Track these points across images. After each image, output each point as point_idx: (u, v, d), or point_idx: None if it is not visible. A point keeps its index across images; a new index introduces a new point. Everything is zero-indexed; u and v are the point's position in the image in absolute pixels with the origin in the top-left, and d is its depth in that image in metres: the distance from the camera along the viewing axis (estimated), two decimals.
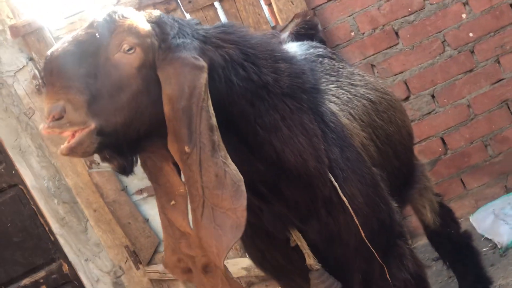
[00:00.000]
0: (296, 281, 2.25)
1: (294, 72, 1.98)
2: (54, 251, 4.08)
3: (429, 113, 3.80)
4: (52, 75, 1.70)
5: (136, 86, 1.74)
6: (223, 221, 1.73)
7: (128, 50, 1.73)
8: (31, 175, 3.92)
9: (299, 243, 2.11)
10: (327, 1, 3.75)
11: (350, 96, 2.40)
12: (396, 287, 2.22)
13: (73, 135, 1.69)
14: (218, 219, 1.74)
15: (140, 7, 3.57)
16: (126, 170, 1.85)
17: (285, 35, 3.10)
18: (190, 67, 1.72)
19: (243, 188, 1.72)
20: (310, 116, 2.00)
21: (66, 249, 4.02)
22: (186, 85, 1.71)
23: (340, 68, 2.60)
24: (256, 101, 1.87)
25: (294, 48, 2.67)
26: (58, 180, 3.92)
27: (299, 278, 2.21)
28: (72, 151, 1.71)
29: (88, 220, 3.95)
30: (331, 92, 2.36)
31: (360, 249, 2.11)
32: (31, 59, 3.77)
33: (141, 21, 1.77)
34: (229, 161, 1.74)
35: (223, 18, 3.78)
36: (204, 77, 1.72)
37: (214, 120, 1.73)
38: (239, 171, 1.81)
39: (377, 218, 2.14)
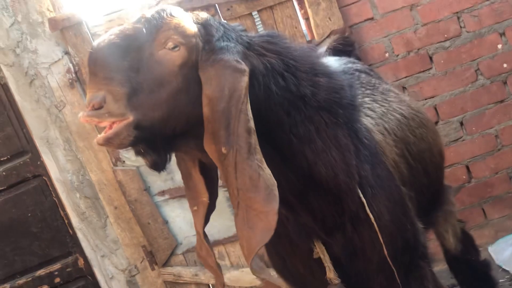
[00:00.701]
0: None
1: (333, 87, 2.00)
2: (71, 245, 4.09)
3: (456, 140, 3.81)
4: (96, 65, 1.74)
5: (176, 83, 1.76)
6: (255, 223, 1.76)
7: (173, 48, 1.76)
8: (56, 167, 3.94)
9: (321, 256, 2.12)
10: (364, 21, 3.77)
11: (384, 110, 2.43)
12: None
13: (110, 126, 1.73)
14: (250, 221, 1.77)
15: None
16: (158, 166, 1.88)
17: (322, 49, 3.13)
18: (231, 69, 1.75)
19: (276, 192, 1.74)
20: (345, 131, 2.01)
21: (84, 243, 4.03)
22: (227, 87, 1.74)
23: (376, 84, 2.63)
24: (292, 111, 1.89)
25: (332, 62, 2.69)
26: (82, 175, 3.94)
27: None
28: (108, 142, 1.74)
29: (108, 216, 3.95)
30: (366, 105, 2.39)
31: (382, 266, 2.11)
32: (66, 52, 3.80)
33: (188, 21, 1.81)
34: (264, 165, 1.76)
35: (260, 28, 3.81)
36: (245, 80, 1.74)
37: (252, 123, 1.75)
38: None
39: (402, 237, 2.15)
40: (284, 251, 2.25)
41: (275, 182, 1.75)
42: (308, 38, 3.83)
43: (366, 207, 2.04)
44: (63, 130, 3.88)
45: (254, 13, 3.77)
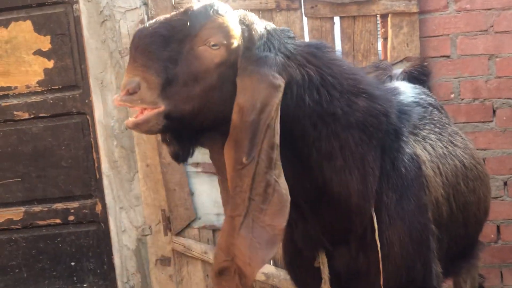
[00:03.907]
0: None
1: (373, 111, 2.02)
2: (94, 189, 4.11)
3: (496, 198, 3.77)
4: (137, 51, 1.79)
5: (211, 81, 1.81)
6: (261, 234, 1.80)
7: (213, 46, 1.80)
8: (102, 110, 3.96)
9: (321, 267, 2.15)
10: (440, 56, 3.75)
11: (446, 152, 2.42)
12: None
13: (141, 112, 1.78)
14: (256, 231, 1.80)
15: None
16: (179, 157, 1.96)
17: (397, 71, 3.12)
18: (267, 84, 1.78)
19: (287, 209, 1.79)
20: (376, 155, 2.04)
21: (107, 191, 4.04)
22: (259, 101, 1.77)
23: (446, 124, 2.60)
24: (320, 125, 1.92)
25: (408, 88, 2.67)
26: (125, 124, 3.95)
27: None
28: (137, 127, 1.81)
29: (138, 172, 3.96)
30: (429, 141, 2.37)
31: None
32: (145, 3, 3.82)
33: (233, 21, 1.84)
34: (282, 180, 1.80)
35: (337, 34, 3.80)
36: (278, 96, 1.78)
37: (277, 138, 1.79)
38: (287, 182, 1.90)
39: (408, 274, 2.14)
40: (293, 251, 2.31)
41: (289, 198, 1.80)
42: (381, 57, 3.82)
43: (376, 233, 2.05)
44: (120, 76, 3.90)
45: (336, 18, 3.77)
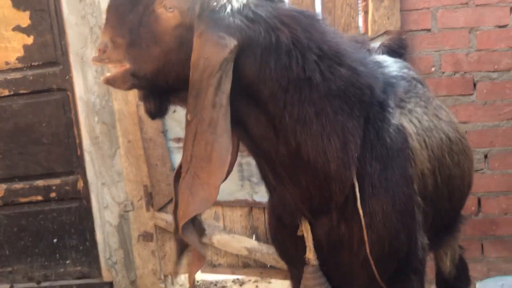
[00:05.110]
0: (298, 268, 2.29)
1: (356, 82, 2.01)
2: (76, 165, 4.10)
3: (476, 171, 3.78)
4: (108, 13, 1.92)
5: (168, 43, 1.87)
6: (197, 191, 1.85)
7: (169, 8, 1.85)
8: (83, 86, 3.94)
9: (305, 235, 2.15)
10: (421, 30, 3.74)
11: (432, 126, 2.41)
12: None
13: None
14: (194, 187, 1.86)
15: None
16: (152, 114, 2.01)
17: (375, 45, 3.11)
18: (211, 43, 1.80)
19: (225, 169, 1.83)
20: (359, 124, 2.02)
21: (88, 167, 4.04)
22: (202, 60, 1.80)
23: (430, 98, 2.59)
24: (291, 90, 1.91)
25: (390, 62, 2.66)
26: (105, 100, 3.93)
27: (301, 267, 2.24)
28: (108, 82, 1.95)
29: (119, 147, 3.95)
30: (416, 115, 2.36)
31: (366, 265, 2.11)
32: None
33: None
34: (223, 139, 1.82)
35: (318, 8, 3.79)
36: (222, 56, 1.79)
37: (222, 98, 1.81)
38: (261, 147, 1.98)
39: (391, 244, 2.13)
40: (275, 221, 2.31)
41: (228, 159, 1.83)
42: (362, 31, 3.81)
43: (358, 202, 2.05)
44: None
45: None
